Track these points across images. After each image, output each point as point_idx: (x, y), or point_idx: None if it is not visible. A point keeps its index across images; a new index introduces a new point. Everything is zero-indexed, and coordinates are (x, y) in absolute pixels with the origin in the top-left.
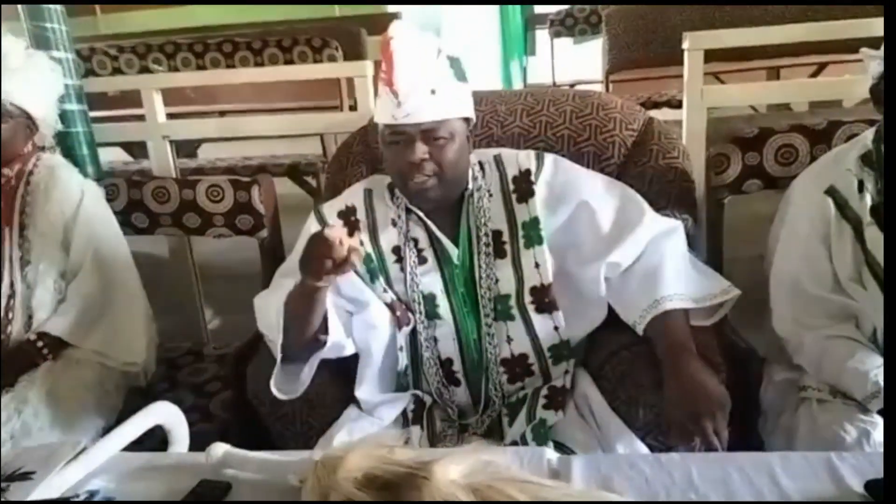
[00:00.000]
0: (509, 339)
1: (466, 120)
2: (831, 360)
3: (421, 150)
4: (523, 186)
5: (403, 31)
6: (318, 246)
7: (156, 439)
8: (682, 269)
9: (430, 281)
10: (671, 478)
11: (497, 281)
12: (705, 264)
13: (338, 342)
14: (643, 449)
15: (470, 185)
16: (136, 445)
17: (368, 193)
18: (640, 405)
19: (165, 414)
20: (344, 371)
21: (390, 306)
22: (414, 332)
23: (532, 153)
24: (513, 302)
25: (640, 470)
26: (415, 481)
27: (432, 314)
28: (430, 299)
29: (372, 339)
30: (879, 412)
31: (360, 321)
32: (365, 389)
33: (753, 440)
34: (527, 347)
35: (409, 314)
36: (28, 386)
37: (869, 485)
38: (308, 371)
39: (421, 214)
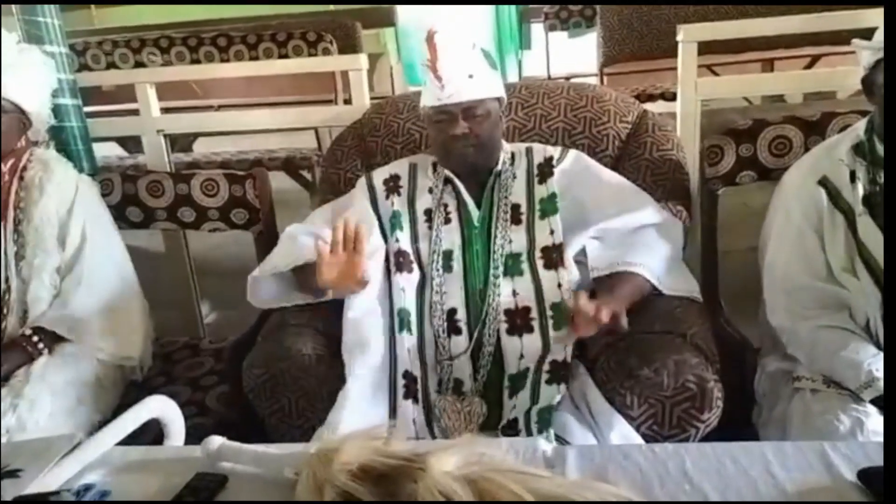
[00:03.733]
0: (515, 293)
1: (499, 101)
2: (825, 349)
3: (462, 125)
4: (545, 170)
5: (444, 27)
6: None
7: (152, 433)
8: (662, 253)
9: (451, 238)
10: (665, 468)
11: (511, 241)
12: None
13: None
14: (638, 439)
15: (499, 167)
16: (132, 439)
17: (413, 166)
18: (635, 395)
19: (161, 408)
20: (340, 365)
21: (398, 254)
22: (423, 286)
23: (560, 147)
24: (524, 258)
25: (634, 460)
26: (410, 472)
27: (446, 268)
28: (447, 255)
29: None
30: (872, 402)
31: None
32: (351, 313)
33: (747, 430)
34: (531, 301)
35: (415, 266)
36: (24, 380)
37: (862, 474)
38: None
39: (456, 181)
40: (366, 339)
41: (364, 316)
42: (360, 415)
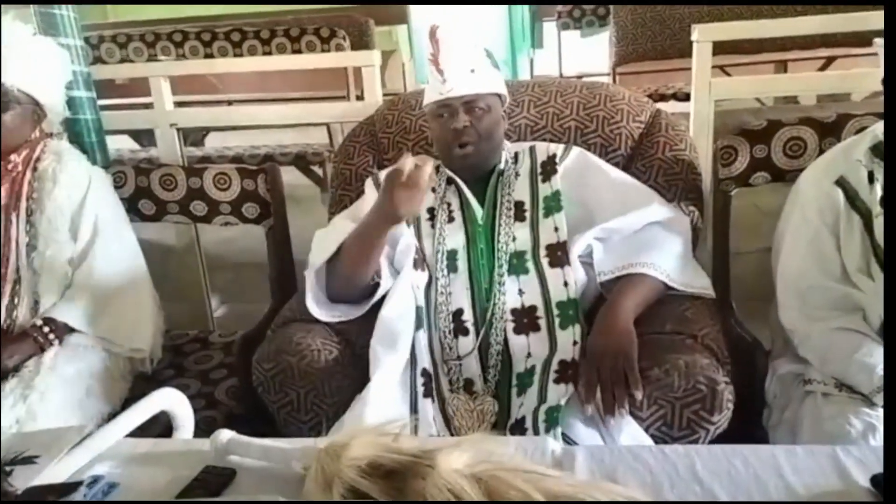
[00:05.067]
0: (521, 292)
1: (500, 99)
2: (838, 352)
3: (463, 119)
4: (548, 168)
5: (447, 24)
6: (398, 178)
7: (161, 426)
8: (671, 249)
9: (455, 237)
10: (675, 469)
11: (514, 239)
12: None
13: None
14: (648, 440)
15: (502, 165)
16: (142, 431)
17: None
18: (644, 396)
19: (170, 400)
20: (350, 361)
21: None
22: (428, 286)
23: (563, 145)
24: (528, 256)
25: (643, 461)
26: (419, 470)
27: (451, 268)
28: (451, 254)
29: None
30: None
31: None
32: (386, 311)
33: (758, 433)
34: (537, 300)
35: (424, 264)
36: (34, 371)
37: (874, 479)
38: (359, 311)
39: (458, 181)
40: (396, 337)
41: (399, 315)
42: (382, 412)
